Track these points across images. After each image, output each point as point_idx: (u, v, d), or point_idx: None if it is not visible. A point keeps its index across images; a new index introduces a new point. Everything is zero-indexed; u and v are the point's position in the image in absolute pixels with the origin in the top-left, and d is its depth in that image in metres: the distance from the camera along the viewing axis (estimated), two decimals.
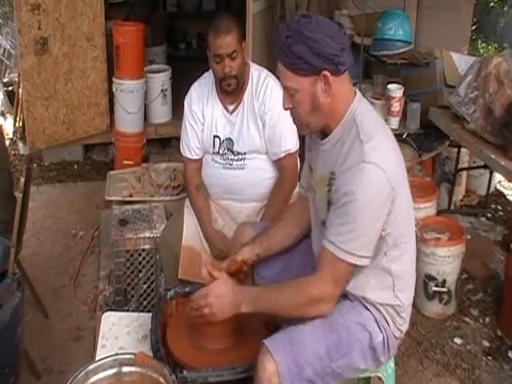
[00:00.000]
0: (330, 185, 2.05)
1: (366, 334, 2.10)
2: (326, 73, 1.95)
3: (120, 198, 3.89)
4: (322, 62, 1.94)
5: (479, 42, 8.14)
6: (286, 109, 2.08)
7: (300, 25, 1.95)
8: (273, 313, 2.12)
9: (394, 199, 1.98)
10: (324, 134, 2.13)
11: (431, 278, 3.42)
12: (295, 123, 2.14)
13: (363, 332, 2.10)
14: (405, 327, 2.20)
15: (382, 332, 2.13)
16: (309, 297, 2.01)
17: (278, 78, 3.07)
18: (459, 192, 4.67)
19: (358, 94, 2.10)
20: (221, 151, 2.97)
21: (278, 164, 2.96)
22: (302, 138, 2.90)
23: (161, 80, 5.35)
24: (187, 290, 2.42)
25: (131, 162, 4.83)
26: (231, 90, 2.88)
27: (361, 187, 1.91)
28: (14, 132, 5.73)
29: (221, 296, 2.09)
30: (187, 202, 3.13)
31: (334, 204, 2.00)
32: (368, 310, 2.12)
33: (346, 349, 2.07)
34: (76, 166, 5.39)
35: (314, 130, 2.11)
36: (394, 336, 2.16)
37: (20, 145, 5.52)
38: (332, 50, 1.93)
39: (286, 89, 2.04)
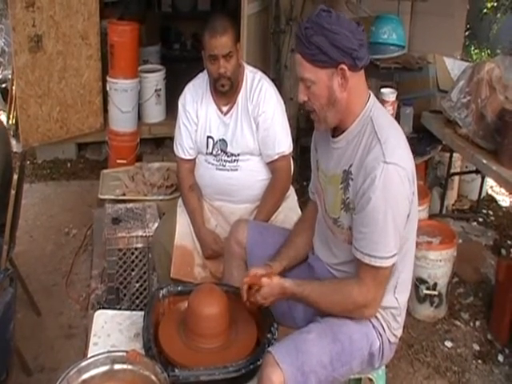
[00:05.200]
0: (344, 183, 2.06)
1: (368, 341, 2.13)
2: (343, 66, 1.96)
3: (113, 197, 3.88)
4: (340, 54, 1.94)
5: (472, 47, 8.18)
6: (301, 102, 2.07)
7: (320, 17, 1.96)
8: (318, 310, 2.16)
9: (413, 197, 2.00)
10: (335, 131, 2.13)
11: (422, 281, 3.44)
12: (312, 118, 2.12)
13: (364, 340, 2.12)
14: (399, 332, 2.22)
15: (378, 338, 2.15)
16: (354, 303, 2.06)
17: (272, 80, 3.09)
18: (451, 196, 4.69)
19: (371, 93, 2.11)
20: (214, 152, 2.97)
21: (272, 166, 2.97)
22: (295, 141, 2.91)
23: (155, 80, 5.36)
24: (179, 289, 2.42)
25: (125, 161, 4.83)
26: (225, 91, 2.88)
27: (384, 189, 1.92)
28: (8, 129, 5.71)
29: (270, 302, 2.18)
30: (180, 202, 3.13)
31: (355, 208, 2.01)
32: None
33: (348, 357, 2.10)
34: (69, 165, 5.38)
35: (331, 125, 2.10)
36: (389, 341, 2.18)
37: (13, 142, 5.50)
38: (351, 44, 1.94)
39: (302, 80, 2.03)
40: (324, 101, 2.02)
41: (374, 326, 2.14)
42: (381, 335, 2.15)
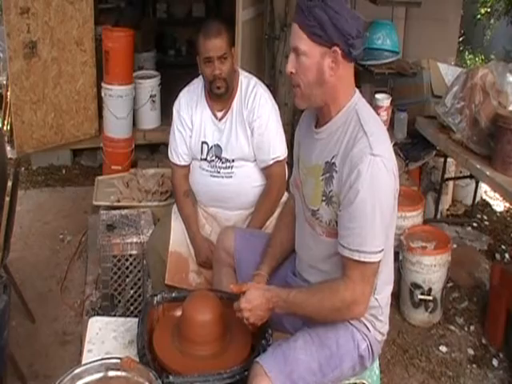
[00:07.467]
0: (326, 175, 2.04)
1: (354, 344, 2.12)
2: (336, 49, 1.95)
3: (108, 203, 3.89)
4: (337, 36, 1.94)
5: (466, 53, 8.22)
6: (288, 73, 2.05)
7: None
8: (306, 316, 2.10)
9: (396, 194, 2.00)
10: (319, 121, 2.13)
11: (417, 286, 3.44)
12: (294, 94, 2.09)
13: (351, 343, 2.11)
14: (385, 328, 2.21)
15: (364, 339, 2.14)
16: (342, 300, 1.98)
17: (266, 85, 3.10)
18: (445, 201, 4.70)
19: (358, 91, 2.11)
20: (209, 158, 2.97)
21: (266, 172, 2.96)
22: (289, 147, 2.91)
23: (150, 86, 5.37)
24: (174, 295, 2.42)
25: (119, 168, 4.84)
26: (220, 94, 2.87)
27: (371, 182, 1.90)
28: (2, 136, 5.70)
29: (253, 308, 2.08)
30: (175, 208, 3.13)
31: (340, 203, 1.98)
32: (348, 321, 2.12)
33: (337, 362, 2.09)
34: (64, 171, 5.38)
35: (314, 104, 2.08)
36: (377, 340, 2.17)
37: (8, 148, 5.48)
38: (349, 29, 1.94)
39: (294, 50, 2.01)
40: (312, 77, 2.00)
41: (357, 329, 2.13)
42: (366, 336, 2.14)
